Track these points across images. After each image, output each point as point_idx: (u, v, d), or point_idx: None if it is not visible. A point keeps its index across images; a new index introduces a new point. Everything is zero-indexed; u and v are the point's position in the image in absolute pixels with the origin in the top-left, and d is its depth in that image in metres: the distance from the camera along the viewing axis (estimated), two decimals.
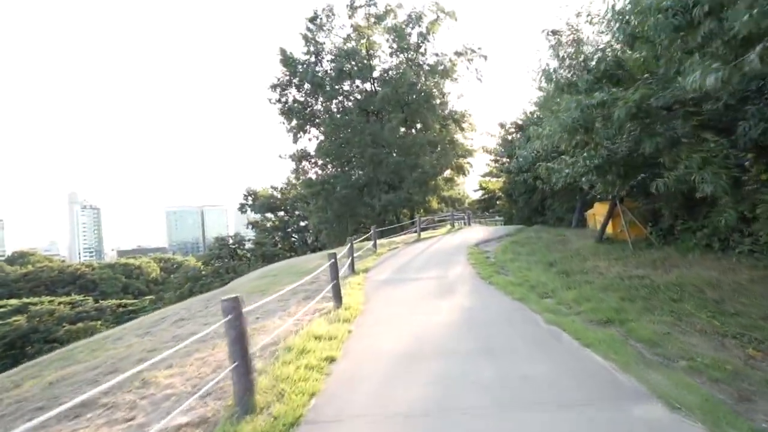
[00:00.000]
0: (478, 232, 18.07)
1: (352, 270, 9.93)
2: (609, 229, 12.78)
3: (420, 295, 7.27)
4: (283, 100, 28.90)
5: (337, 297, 6.63)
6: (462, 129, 32.62)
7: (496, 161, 33.28)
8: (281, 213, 51.31)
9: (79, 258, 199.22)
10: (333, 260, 6.61)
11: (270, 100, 29.03)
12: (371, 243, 14.01)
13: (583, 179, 8.46)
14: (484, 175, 54.41)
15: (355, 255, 12.56)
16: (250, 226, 54.24)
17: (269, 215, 51.23)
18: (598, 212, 14.46)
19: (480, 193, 55.09)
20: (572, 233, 15.36)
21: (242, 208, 52.61)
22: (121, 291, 77.57)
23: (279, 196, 50.87)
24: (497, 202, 54.47)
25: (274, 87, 28.22)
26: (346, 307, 6.49)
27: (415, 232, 17.07)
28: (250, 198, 52.17)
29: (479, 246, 13.73)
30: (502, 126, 18.75)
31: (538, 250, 12.09)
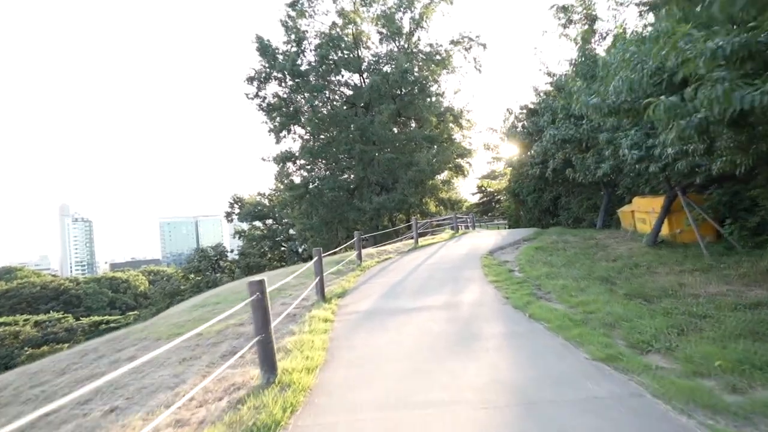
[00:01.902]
0: (486, 237, 15.08)
1: (322, 296, 6.88)
2: (664, 229, 9.83)
3: (421, 347, 4.24)
4: (262, 94, 25.92)
5: (267, 363, 3.58)
6: (461, 126, 29.78)
7: (498, 159, 30.41)
8: (270, 221, 48.43)
9: (71, 272, 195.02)
10: (257, 296, 3.55)
11: (247, 95, 26.03)
12: (355, 253, 10.96)
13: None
14: (482, 177, 51.87)
15: (332, 270, 9.53)
16: (238, 236, 51.23)
17: (257, 223, 48.30)
18: (640, 208, 11.51)
19: (478, 196, 52.56)
20: (605, 236, 12.39)
21: (228, 217, 49.64)
22: (107, 306, 74.56)
23: (267, 203, 48.05)
24: (496, 205, 51.92)
25: (250, 80, 25.21)
26: (284, 382, 3.46)
27: (412, 238, 14.07)
28: (236, 206, 49.28)
29: (494, 254, 10.72)
30: (510, 112, 15.90)
31: (574, 258, 9.11)
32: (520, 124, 15.77)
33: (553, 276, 7.30)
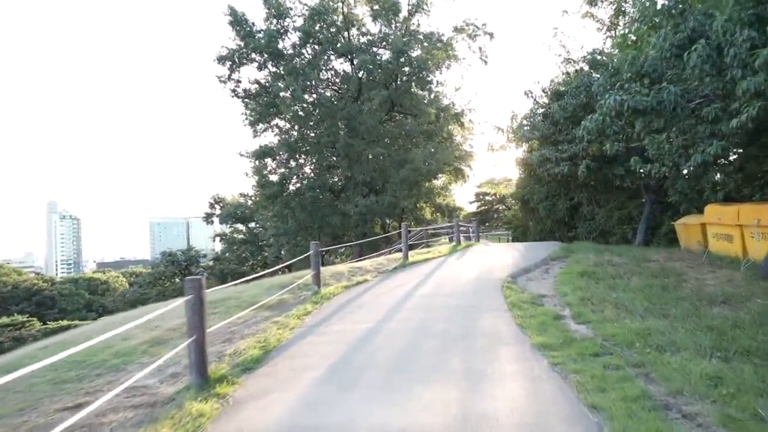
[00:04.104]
0: (497, 252, 11.67)
1: (200, 375, 3.35)
2: None
3: None
4: (236, 77, 22.48)
5: None
6: (462, 126, 26.48)
7: (502, 162, 27.14)
8: (253, 224, 44.89)
9: (57, 270, 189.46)
10: None
11: (219, 78, 22.56)
12: (311, 273, 7.44)
13: None
14: (481, 185, 48.77)
15: (272, 299, 6.07)
16: (218, 239, 47.68)
17: (240, 226, 44.73)
18: (722, 220, 8.13)
19: (476, 205, 49.37)
20: (662, 257, 9.00)
21: (208, 218, 45.98)
22: (83, 308, 70.48)
23: (250, 204, 44.50)
24: (495, 215, 48.66)
25: (222, 60, 21.71)
26: None
27: (400, 250, 10.56)
28: (217, 206, 45.68)
29: (517, 281, 7.26)
30: (529, 95, 12.57)
31: (652, 295, 5.69)
32: (541, 111, 12.52)
33: (655, 341, 3.83)
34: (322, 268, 8.32)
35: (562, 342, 3.94)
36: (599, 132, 6.58)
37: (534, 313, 5.06)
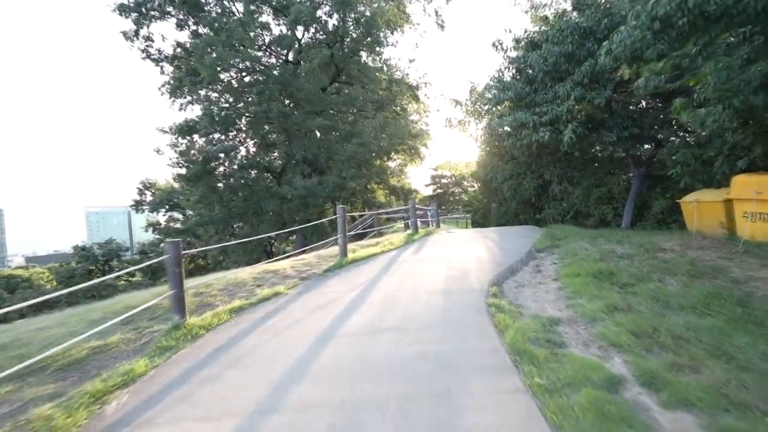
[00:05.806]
0: (463, 242, 9.27)
1: None
2: None
3: None
4: (144, 33, 18.43)
5: None
6: (417, 100, 23.89)
7: (463, 136, 25.02)
8: (191, 212, 40.31)
9: None
10: None
11: (125, 34, 18.43)
12: (169, 292, 4.61)
13: None
14: (437, 168, 47.12)
15: (90, 339, 3.13)
16: (150, 229, 42.55)
17: (177, 215, 40.00)
18: (767, 193, 6.07)
19: (432, 188, 47.72)
20: (677, 244, 6.95)
21: (138, 207, 40.81)
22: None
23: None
24: (450, 198, 47.20)
25: (124, 9, 17.52)
26: None
27: (343, 241, 7.82)
28: (148, 193, 40.59)
29: (504, 290, 4.78)
30: (498, 46, 10.09)
31: (734, 317, 3.40)
32: (513, 68, 10.20)
33: None
34: (212, 277, 5.50)
35: None
36: (633, 54, 4.13)
37: (564, 374, 2.57)
